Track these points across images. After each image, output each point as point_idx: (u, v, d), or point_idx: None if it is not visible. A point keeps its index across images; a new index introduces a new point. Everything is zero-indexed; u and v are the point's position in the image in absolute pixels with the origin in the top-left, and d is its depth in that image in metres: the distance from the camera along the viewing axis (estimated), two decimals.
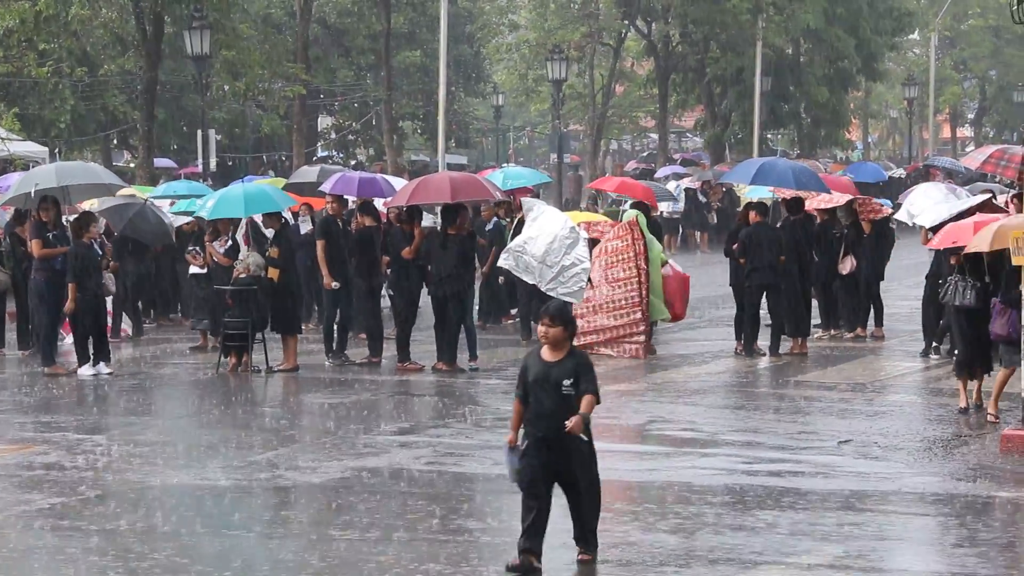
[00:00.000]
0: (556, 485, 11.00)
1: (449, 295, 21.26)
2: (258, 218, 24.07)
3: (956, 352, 17.82)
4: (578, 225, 22.33)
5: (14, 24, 35.10)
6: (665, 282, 23.33)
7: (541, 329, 10.90)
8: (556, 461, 10.87)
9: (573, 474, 10.94)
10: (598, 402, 10.78)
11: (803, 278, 23.07)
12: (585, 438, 10.81)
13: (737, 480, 14.18)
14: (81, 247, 21.27)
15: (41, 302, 21.65)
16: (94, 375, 20.89)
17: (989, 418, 16.78)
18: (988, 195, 22.17)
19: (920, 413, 18.14)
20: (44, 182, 22.57)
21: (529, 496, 10.94)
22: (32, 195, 22.10)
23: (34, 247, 21.69)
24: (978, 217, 18.36)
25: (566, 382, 10.75)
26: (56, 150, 44.38)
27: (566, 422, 10.64)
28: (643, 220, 23.47)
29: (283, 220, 23.03)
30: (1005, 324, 16.29)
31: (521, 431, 10.99)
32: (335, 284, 22.05)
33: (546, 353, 10.90)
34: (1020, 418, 15.84)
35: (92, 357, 21.04)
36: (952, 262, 17.28)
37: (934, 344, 22.05)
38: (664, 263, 23.47)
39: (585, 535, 11.10)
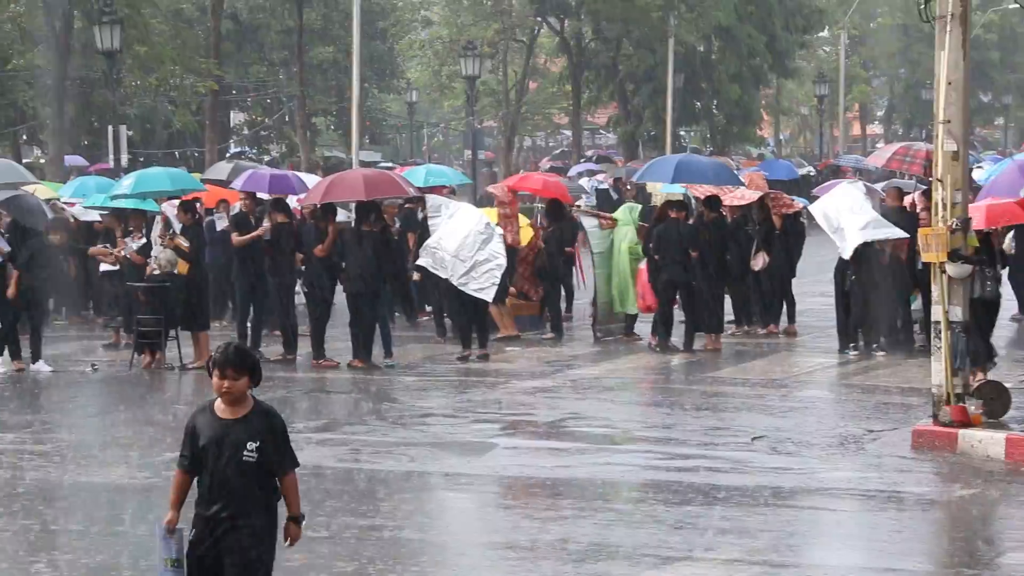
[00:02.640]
0: None
1: (364, 292, 21.22)
2: (171, 213, 23.92)
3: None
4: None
5: None
6: (639, 274, 23.55)
7: (220, 383, 8.33)
8: (226, 549, 8.38)
9: (243, 569, 8.40)
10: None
11: (717, 274, 23.24)
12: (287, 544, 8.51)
13: (652, 476, 14.25)
14: (39, 242, 21.56)
15: None
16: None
17: None
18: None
19: (833, 408, 18.29)
20: None
21: None
22: None
23: None
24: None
25: (250, 445, 8.31)
26: None
27: (285, 541, 8.43)
28: (635, 211, 24.31)
29: (196, 215, 22.90)
30: None
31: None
32: (266, 224, 21.96)
33: (222, 409, 8.41)
34: (931, 413, 16.03)
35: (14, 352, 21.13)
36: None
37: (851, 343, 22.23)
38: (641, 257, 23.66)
39: None
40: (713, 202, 23.57)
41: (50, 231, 22.02)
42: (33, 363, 21.15)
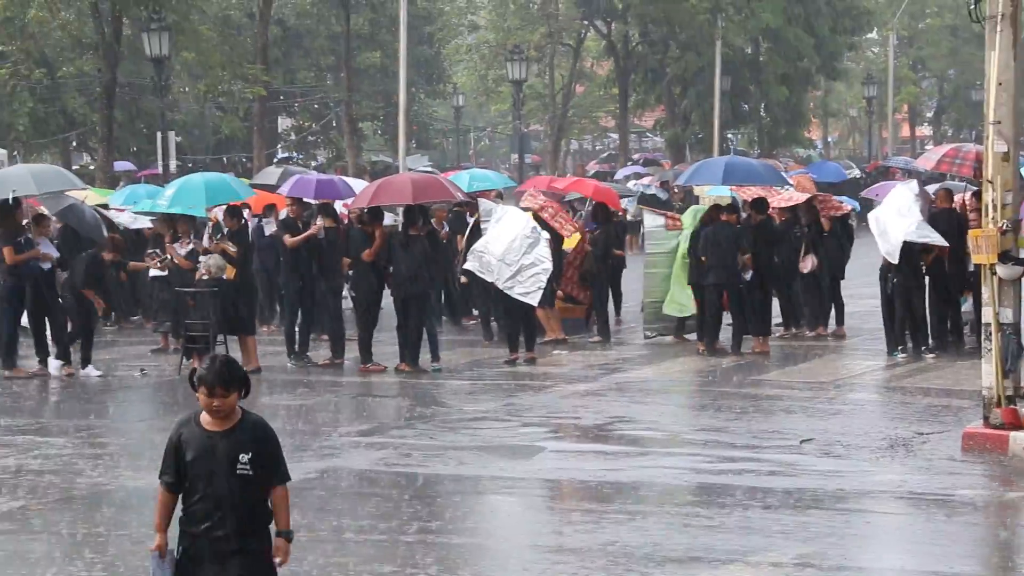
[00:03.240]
0: None
1: (411, 296, 21.24)
2: (221, 216, 24.04)
3: None
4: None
5: None
6: None
7: (208, 401, 7.87)
8: (225, 573, 7.84)
9: None
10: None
11: (766, 277, 23.14)
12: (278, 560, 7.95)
13: (700, 479, 14.20)
14: (95, 255, 21.71)
15: (8, 305, 21.47)
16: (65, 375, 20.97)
17: None
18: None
19: (882, 411, 18.21)
20: (22, 188, 22.11)
21: None
22: (10, 200, 21.74)
23: (6, 255, 21.19)
24: None
25: (243, 458, 7.82)
26: (15, 152, 44.17)
27: (275, 558, 7.89)
28: (700, 214, 23.91)
29: (242, 220, 22.99)
30: None
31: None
32: (319, 223, 21.99)
33: (209, 421, 7.94)
34: (981, 415, 15.92)
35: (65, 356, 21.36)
36: None
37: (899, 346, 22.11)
38: None
39: None
40: (760, 204, 23.50)
41: (103, 249, 22.21)
42: (82, 368, 21.30)
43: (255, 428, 7.94)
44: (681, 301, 23.82)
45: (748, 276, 22.91)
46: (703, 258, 22.78)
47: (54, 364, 21.30)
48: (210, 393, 7.86)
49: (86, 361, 21.34)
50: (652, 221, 24.66)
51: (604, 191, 27.88)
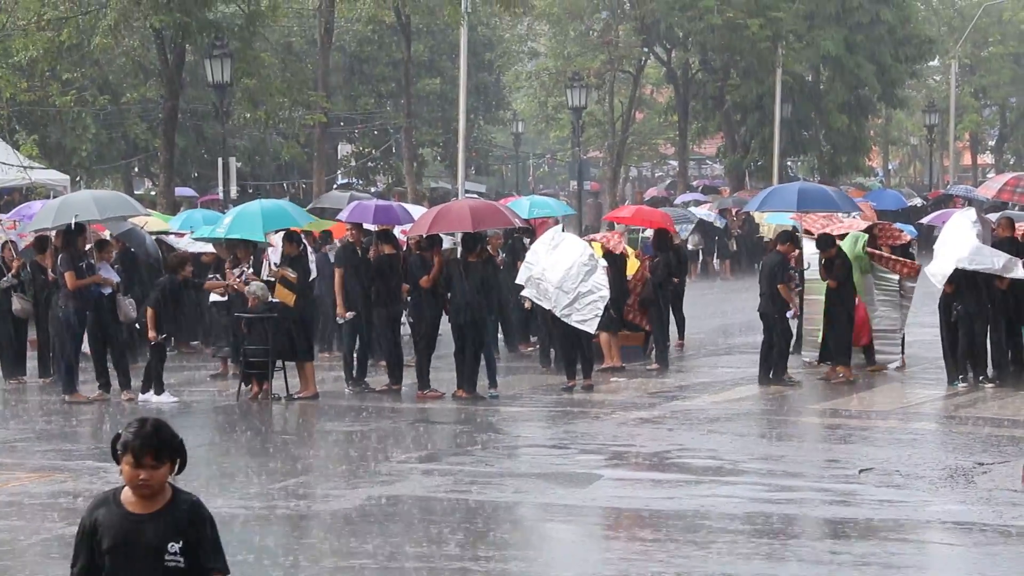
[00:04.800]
0: None
1: (469, 322, 21.27)
2: (277, 243, 24.13)
3: None
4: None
5: (38, 54, 35.31)
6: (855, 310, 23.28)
7: (133, 473, 6.52)
8: None
9: None
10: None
11: (844, 306, 22.87)
12: None
13: (758, 508, 14.13)
14: (174, 282, 21.50)
15: (67, 330, 21.62)
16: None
17: None
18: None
19: (941, 441, 18.07)
20: (85, 213, 22.26)
21: None
22: (72, 226, 21.91)
23: (68, 279, 21.34)
24: None
25: (172, 547, 6.52)
26: (78, 178, 44.54)
27: None
28: (861, 241, 23.36)
29: (302, 246, 23.07)
30: None
31: None
32: (349, 315, 22.10)
33: (132, 502, 6.58)
34: None
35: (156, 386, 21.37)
36: None
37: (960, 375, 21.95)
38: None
39: None
40: (824, 241, 23.07)
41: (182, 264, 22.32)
42: (143, 393, 21.37)
43: (188, 510, 6.64)
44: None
45: (790, 312, 22.79)
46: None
47: (155, 398, 21.23)
48: (136, 463, 6.50)
49: (147, 386, 21.37)
50: (812, 248, 24.07)
51: (647, 212, 27.79)
